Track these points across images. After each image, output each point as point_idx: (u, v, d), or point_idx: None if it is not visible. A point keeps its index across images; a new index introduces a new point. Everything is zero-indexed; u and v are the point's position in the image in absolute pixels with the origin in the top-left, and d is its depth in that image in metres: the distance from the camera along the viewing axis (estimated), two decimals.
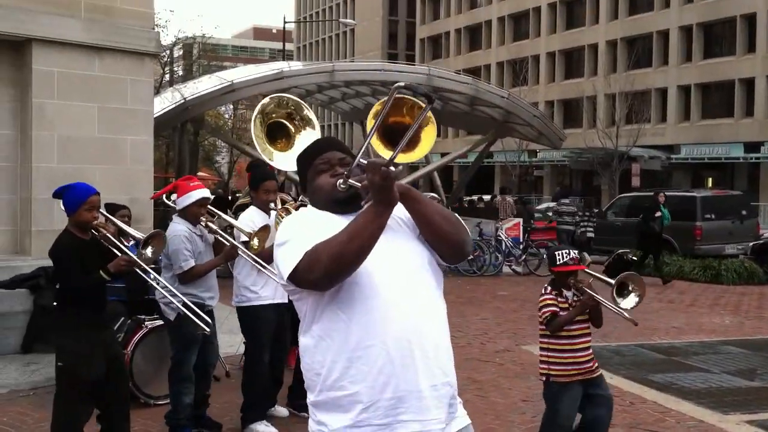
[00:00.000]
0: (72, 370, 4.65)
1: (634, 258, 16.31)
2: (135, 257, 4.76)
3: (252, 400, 5.96)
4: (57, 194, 4.88)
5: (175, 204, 5.74)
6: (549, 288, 4.97)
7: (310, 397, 2.52)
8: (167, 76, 38.50)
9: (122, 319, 6.84)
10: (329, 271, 2.32)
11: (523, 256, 17.72)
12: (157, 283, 5.39)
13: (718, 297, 13.83)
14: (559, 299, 4.89)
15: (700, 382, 7.57)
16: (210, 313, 5.76)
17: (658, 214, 16.73)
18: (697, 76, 45.42)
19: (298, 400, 6.42)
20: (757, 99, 42.36)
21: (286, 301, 5.99)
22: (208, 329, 5.26)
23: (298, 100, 6.17)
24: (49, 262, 8.48)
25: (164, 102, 16.48)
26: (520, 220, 18.57)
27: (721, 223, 19.48)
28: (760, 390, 7.33)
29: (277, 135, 6.30)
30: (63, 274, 4.74)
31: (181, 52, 43.38)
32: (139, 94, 11.21)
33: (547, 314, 4.86)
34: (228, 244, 5.63)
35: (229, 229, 6.04)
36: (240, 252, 5.56)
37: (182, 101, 16.09)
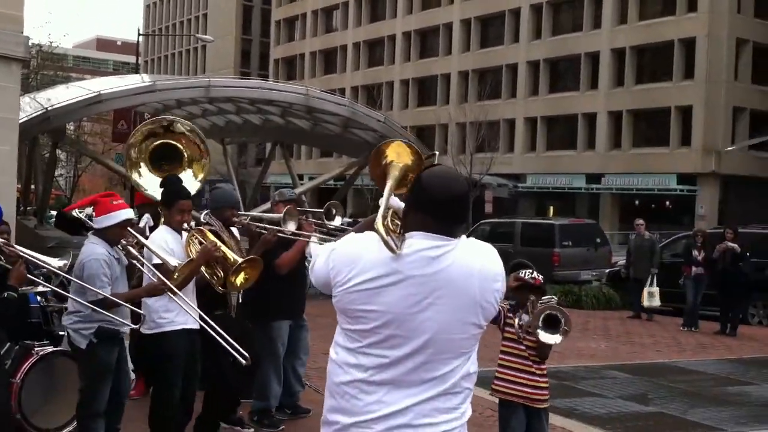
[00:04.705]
0: None
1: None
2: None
3: (160, 430, 5.51)
4: None
5: (90, 220, 5.28)
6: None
7: (470, 412, 2.58)
8: None
9: (8, 344, 6.19)
10: None
11: None
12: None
13: (585, 322, 14.30)
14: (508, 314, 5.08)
15: (599, 407, 7.73)
16: (121, 341, 5.30)
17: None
18: (543, 109, 47.54)
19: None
20: (599, 133, 44.82)
21: (198, 327, 5.60)
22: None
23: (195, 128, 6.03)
24: None
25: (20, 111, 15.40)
26: None
27: (576, 250, 20.29)
28: (656, 415, 7.55)
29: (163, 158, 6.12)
30: None
31: None
32: (5, 101, 10.45)
33: None
34: (141, 269, 5.27)
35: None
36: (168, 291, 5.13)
37: (44, 111, 15.08)
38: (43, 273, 5.71)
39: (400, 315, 2.41)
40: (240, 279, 5.41)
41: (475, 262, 2.47)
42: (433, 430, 2.43)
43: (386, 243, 2.41)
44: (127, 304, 5.06)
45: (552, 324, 4.78)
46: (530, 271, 5.02)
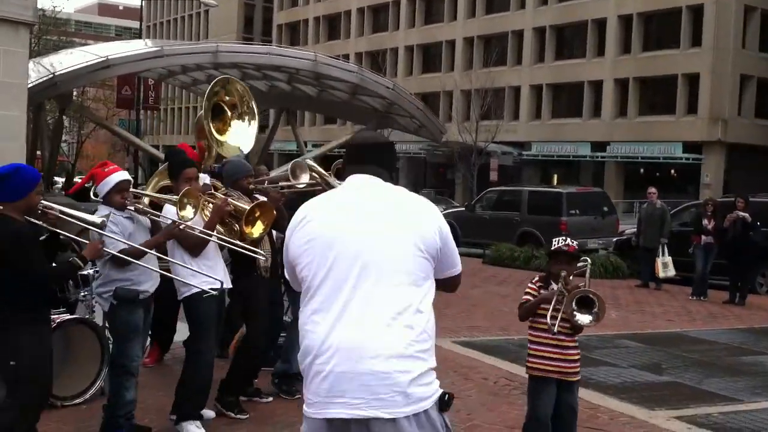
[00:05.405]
0: (33, 371, 4.15)
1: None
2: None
3: (191, 394, 5.51)
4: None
5: (96, 197, 5.24)
6: (537, 278, 5.04)
7: (431, 363, 2.72)
8: None
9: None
10: None
11: None
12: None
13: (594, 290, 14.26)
14: (542, 291, 4.93)
15: (613, 377, 7.71)
16: (145, 303, 5.30)
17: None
18: (548, 77, 47.21)
19: (228, 396, 6.01)
20: (605, 101, 44.56)
21: (230, 285, 5.64)
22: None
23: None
24: None
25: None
26: None
27: (584, 218, 20.21)
28: (672, 385, 7.53)
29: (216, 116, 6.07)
30: (22, 264, 4.13)
31: None
32: (13, 66, 10.36)
33: (522, 301, 4.99)
34: (160, 222, 5.31)
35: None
36: (183, 227, 5.18)
37: (50, 76, 14.93)
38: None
39: (336, 235, 2.73)
40: (257, 227, 5.48)
41: (405, 195, 2.85)
42: (386, 365, 2.59)
43: (321, 175, 3.17)
44: (149, 267, 5.12)
45: (585, 304, 4.74)
46: (563, 238, 4.96)
